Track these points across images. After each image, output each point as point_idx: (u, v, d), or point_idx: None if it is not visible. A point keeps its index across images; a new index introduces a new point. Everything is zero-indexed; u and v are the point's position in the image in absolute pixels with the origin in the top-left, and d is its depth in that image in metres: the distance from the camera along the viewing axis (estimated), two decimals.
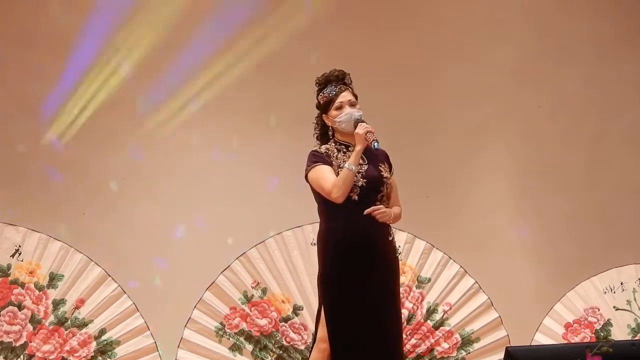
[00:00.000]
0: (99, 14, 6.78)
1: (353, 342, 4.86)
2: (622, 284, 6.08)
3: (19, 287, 5.71)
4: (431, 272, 5.93)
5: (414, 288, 5.89)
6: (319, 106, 5.09)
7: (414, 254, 5.90)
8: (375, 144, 4.87)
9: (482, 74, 7.01)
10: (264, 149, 6.88)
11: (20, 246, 5.74)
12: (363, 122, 4.94)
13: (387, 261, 4.96)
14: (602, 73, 7.10)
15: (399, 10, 7.02)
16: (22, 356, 5.64)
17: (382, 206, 4.94)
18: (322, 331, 4.93)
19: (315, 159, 4.98)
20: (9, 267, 5.73)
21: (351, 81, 5.09)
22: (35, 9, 6.73)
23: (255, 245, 5.88)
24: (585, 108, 7.09)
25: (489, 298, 5.93)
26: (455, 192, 6.99)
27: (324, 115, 5.05)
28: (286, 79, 6.84)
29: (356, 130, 4.92)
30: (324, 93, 5.05)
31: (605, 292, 6.08)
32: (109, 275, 5.79)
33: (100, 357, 5.72)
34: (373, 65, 6.77)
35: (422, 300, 5.91)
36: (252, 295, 5.85)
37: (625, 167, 7.04)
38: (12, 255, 5.73)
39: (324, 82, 5.08)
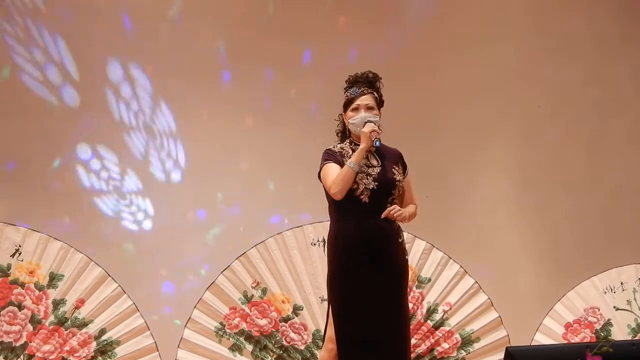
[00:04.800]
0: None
1: (359, 343, 4.88)
2: (622, 284, 6.08)
3: (19, 287, 5.70)
4: (431, 272, 5.93)
5: (414, 288, 5.89)
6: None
7: (414, 254, 5.89)
8: (377, 142, 4.90)
9: (483, 74, 7.01)
10: (265, 147, 6.88)
11: (20, 246, 5.74)
12: (372, 122, 4.96)
13: (396, 263, 4.97)
14: (602, 72, 7.10)
15: (399, 9, 7.02)
16: (22, 356, 5.64)
17: (396, 206, 4.94)
18: (330, 331, 4.95)
19: (327, 156, 5.02)
20: (9, 267, 5.72)
21: (381, 85, 5.10)
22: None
23: (255, 245, 5.88)
24: (585, 108, 7.09)
25: (489, 298, 5.92)
26: (455, 192, 6.99)
27: (343, 114, 5.10)
28: (287, 80, 6.84)
29: (362, 129, 4.95)
30: (347, 92, 5.09)
31: (605, 292, 6.07)
32: (109, 275, 5.79)
33: (100, 357, 5.71)
34: (372, 65, 6.74)
35: (422, 300, 5.91)
36: (252, 295, 5.85)
37: (626, 167, 7.03)
38: (12, 255, 5.73)
39: (351, 82, 5.11)
